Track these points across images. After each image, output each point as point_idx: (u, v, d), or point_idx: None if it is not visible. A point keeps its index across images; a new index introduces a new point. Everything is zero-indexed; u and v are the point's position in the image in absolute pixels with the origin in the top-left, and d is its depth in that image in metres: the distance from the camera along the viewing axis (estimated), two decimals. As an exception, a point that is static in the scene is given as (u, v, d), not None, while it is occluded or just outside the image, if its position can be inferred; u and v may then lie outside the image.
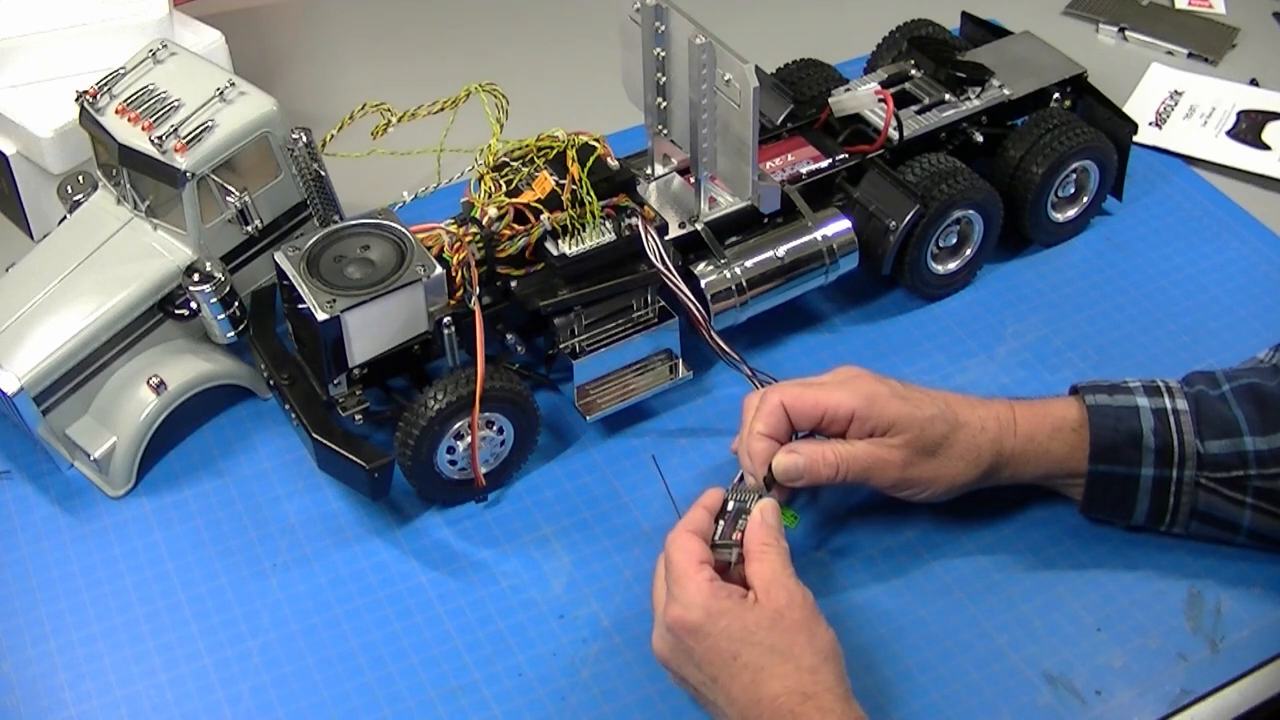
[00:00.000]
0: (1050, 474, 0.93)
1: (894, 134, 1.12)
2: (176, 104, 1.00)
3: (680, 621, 0.79)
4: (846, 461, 0.89)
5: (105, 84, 1.02)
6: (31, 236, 1.19)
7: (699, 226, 1.06)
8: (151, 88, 1.01)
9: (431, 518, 0.99)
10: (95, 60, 1.13)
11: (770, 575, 0.81)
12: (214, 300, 0.99)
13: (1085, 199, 1.18)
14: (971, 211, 1.11)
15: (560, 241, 1.00)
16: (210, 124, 0.98)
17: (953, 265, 1.14)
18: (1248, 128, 1.31)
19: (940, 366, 1.09)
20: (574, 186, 0.99)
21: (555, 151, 1.01)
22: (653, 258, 1.00)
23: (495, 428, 0.98)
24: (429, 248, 0.97)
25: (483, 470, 0.98)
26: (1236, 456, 0.89)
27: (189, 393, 1.02)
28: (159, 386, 1.00)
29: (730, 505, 0.87)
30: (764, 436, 0.90)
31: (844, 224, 1.09)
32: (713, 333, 1.03)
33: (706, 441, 1.03)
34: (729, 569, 0.84)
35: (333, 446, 0.95)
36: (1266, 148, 1.28)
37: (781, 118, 1.13)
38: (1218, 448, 0.89)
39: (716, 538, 0.85)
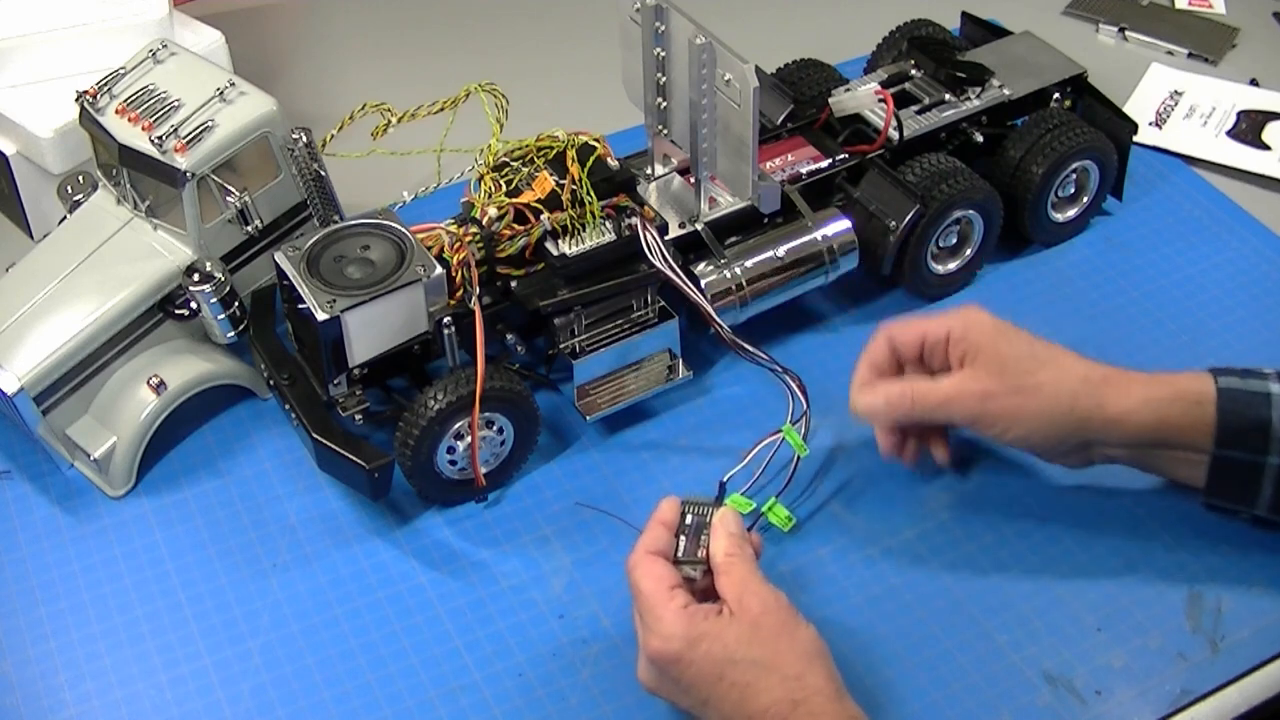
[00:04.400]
0: (1164, 441, 0.90)
1: (894, 134, 1.12)
2: (176, 104, 1.00)
3: (661, 654, 0.79)
4: (924, 394, 0.90)
5: (105, 84, 1.02)
6: (31, 236, 1.19)
7: (699, 226, 1.06)
8: (151, 88, 1.01)
9: (431, 518, 0.99)
10: (95, 60, 1.12)
11: (740, 585, 0.81)
12: (214, 300, 0.99)
13: (1085, 199, 1.18)
14: (971, 211, 1.11)
15: (560, 241, 1.00)
16: (210, 124, 0.98)
17: (953, 265, 1.14)
18: (1248, 128, 1.31)
19: (940, 366, 1.09)
20: (574, 186, 0.99)
21: (555, 151, 1.01)
22: (655, 260, 1.00)
23: (495, 428, 0.98)
24: (429, 248, 0.97)
25: (483, 470, 0.98)
26: None
27: (189, 393, 1.02)
28: (159, 386, 1.00)
29: (689, 519, 0.85)
30: (868, 367, 0.92)
31: (844, 224, 1.09)
32: (727, 330, 1.02)
33: (706, 441, 1.03)
34: (693, 584, 0.83)
35: (333, 446, 0.95)
36: (1266, 148, 1.28)
37: (781, 118, 1.13)
38: None
39: (679, 554, 0.84)
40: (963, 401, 0.89)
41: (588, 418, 1.02)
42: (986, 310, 0.92)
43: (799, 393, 0.99)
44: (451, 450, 0.97)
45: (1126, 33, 1.43)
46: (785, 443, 0.97)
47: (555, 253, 0.99)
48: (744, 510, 0.94)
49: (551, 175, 1.00)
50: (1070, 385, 0.88)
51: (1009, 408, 0.89)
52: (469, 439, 0.96)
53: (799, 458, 0.97)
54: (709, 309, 1.02)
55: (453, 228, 0.98)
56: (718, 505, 0.86)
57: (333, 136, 1.05)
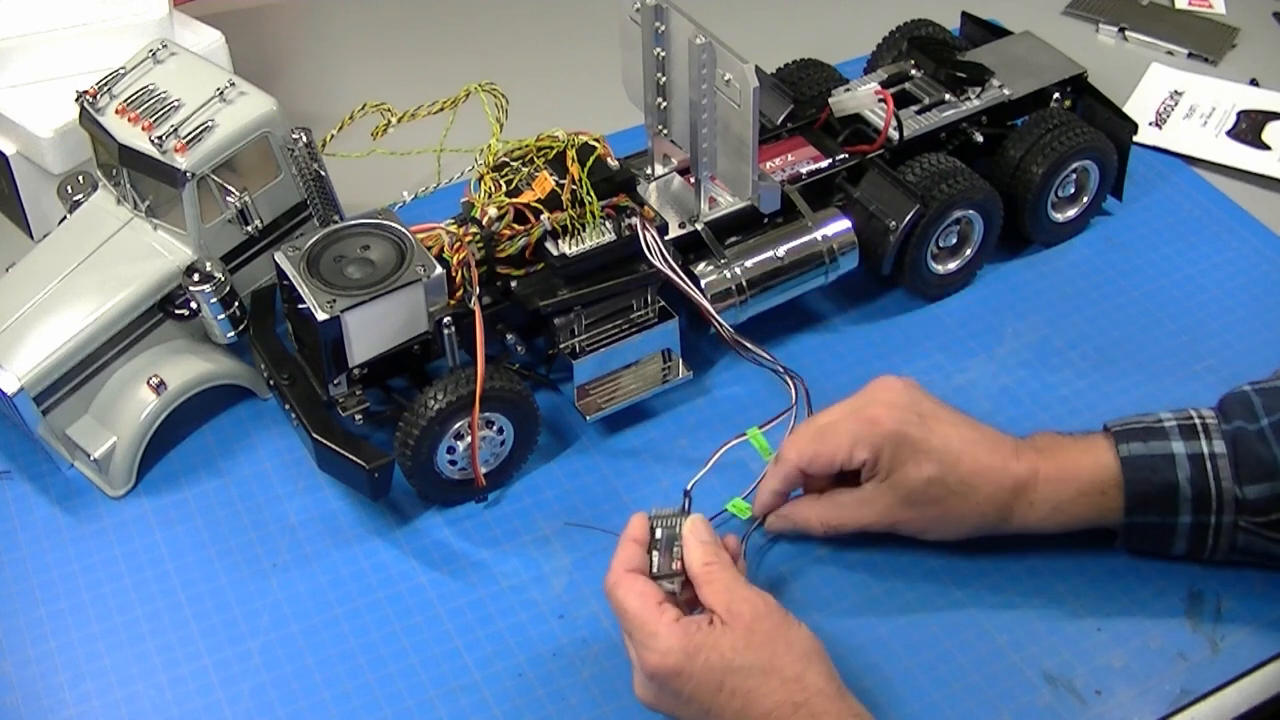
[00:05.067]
0: (1074, 528, 0.91)
1: (894, 134, 1.12)
2: (176, 104, 1.00)
3: (660, 669, 0.79)
4: (833, 524, 0.92)
5: (105, 84, 1.02)
6: (31, 236, 1.19)
7: (699, 226, 1.06)
8: (151, 88, 1.01)
9: (431, 518, 0.99)
10: (95, 60, 1.12)
11: (726, 593, 0.81)
12: (214, 300, 0.99)
13: (1085, 199, 1.18)
14: (971, 211, 1.11)
15: (560, 241, 1.00)
16: (210, 124, 0.98)
17: (953, 265, 1.14)
18: (1248, 128, 1.31)
19: (940, 366, 1.09)
20: (574, 186, 0.99)
21: (555, 151, 1.01)
22: (655, 260, 1.00)
23: (495, 428, 0.98)
24: (429, 248, 0.97)
25: (483, 470, 0.98)
26: (1276, 500, 0.87)
27: (189, 393, 1.02)
28: (159, 386, 1.00)
29: (659, 533, 0.85)
30: (776, 494, 0.93)
31: (844, 224, 1.09)
32: (728, 329, 1.02)
33: (706, 441, 1.03)
34: (674, 598, 0.83)
35: (333, 446, 0.95)
36: (1266, 148, 1.28)
37: (781, 118, 1.13)
38: (1256, 492, 0.87)
39: (654, 571, 0.84)
40: (874, 525, 0.92)
41: (588, 418, 1.02)
42: (897, 397, 0.90)
43: (798, 392, 0.98)
44: (451, 450, 0.97)
45: (1126, 33, 1.43)
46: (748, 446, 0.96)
47: (555, 253, 0.99)
48: (743, 515, 0.94)
49: (551, 175, 1.00)
50: (977, 506, 0.89)
51: (918, 526, 0.91)
52: (469, 439, 0.96)
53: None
54: (709, 308, 1.02)
55: (453, 228, 0.98)
56: (685, 515, 0.86)
57: (333, 136, 1.05)
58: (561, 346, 1.02)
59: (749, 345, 1.01)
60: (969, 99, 1.16)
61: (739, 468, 0.98)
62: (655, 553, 0.84)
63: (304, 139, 1.00)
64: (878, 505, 0.90)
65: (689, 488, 0.92)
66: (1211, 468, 0.87)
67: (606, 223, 1.00)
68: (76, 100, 1.03)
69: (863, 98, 1.13)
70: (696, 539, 0.84)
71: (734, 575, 0.82)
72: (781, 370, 1.00)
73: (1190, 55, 1.41)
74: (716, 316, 1.02)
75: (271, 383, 1.02)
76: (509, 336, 1.01)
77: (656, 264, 1.00)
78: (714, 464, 0.95)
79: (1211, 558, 0.91)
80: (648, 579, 0.82)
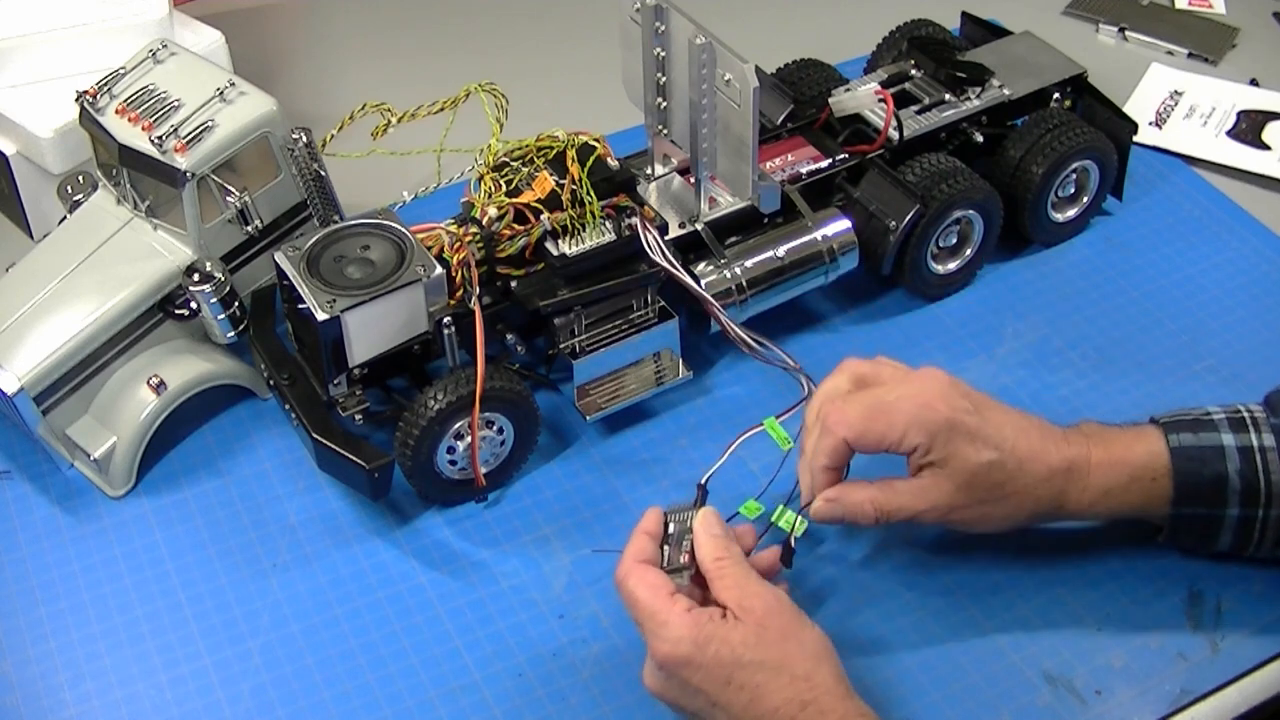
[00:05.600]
0: (1125, 515, 0.91)
1: (894, 134, 1.12)
2: (176, 104, 1.00)
3: (670, 658, 0.79)
4: (886, 512, 0.88)
5: (105, 84, 1.02)
6: (31, 236, 1.19)
7: (699, 226, 1.06)
8: (151, 88, 1.01)
9: (431, 518, 0.99)
10: (95, 60, 1.12)
11: (738, 589, 0.80)
12: (214, 300, 0.99)
13: (1085, 199, 1.18)
14: (971, 211, 1.11)
15: (560, 241, 1.00)
16: (210, 124, 0.98)
17: (953, 265, 1.14)
18: (1248, 128, 1.31)
19: (940, 366, 1.08)
20: (574, 186, 0.99)
21: (555, 151, 1.01)
22: (656, 256, 1.00)
23: (495, 428, 0.98)
24: (429, 248, 0.97)
25: (483, 470, 0.98)
26: None
27: (189, 393, 1.02)
28: (159, 386, 1.00)
29: (671, 528, 0.85)
30: (825, 470, 0.88)
31: (844, 224, 1.09)
32: (732, 324, 1.02)
33: (706, 441, 1.03)
34: (686, 590, 0.83)
35: (333, 446, 0.95)
36: (1266, 148, 1.28)
37: (781, 118, 1.13)
38: None
39: (665, 564, 0.83)
40: (928, 514, 0.88)
41: (588, 418, 1.02)
42: (946, 385, 0.87)
43: (807, 384, 0.98)
44: (451, 450, 0.97)
45: (1126, 33, 1.43)
46: (773, 441, 0.95)
47: (555, 253, 0.99)
48: (751, 515, 0.94)
49: (551, 175, 1.00)
50: (1034, 491, 0.87)
51: (974, 516, 0.88)
52: (469, 439, 0.96)
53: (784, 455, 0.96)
54: (713, 304, 1.02)
55: (453, 228, 0.98)
56: (698, 510, 0.86)
57: (333, 136, 1.05)
58: (561, 346, 1.02)
59: (752, 341, 1.00)
60: (969, 99, 1.16)
61: (753, 462, 0.97)
62: (666, 547, 0.84)
63: (304, 139, 1.00)
64: (935, 493, 0.87)
65: (703, 481, 0.90)
66: (1261, 461, 0.87)
67: (606, 223, 1.00)
68: (76, 100, 1.03)
69: (863, 98, 1.13)
70: (707, 533, 0.83)
71: (745, 570, 0.82)
72: (791, 365, 1.00)
73: (1190, 55, 1.41)
74: (720, 311, 1.02)
75: (271, 383, 1.02)
76: (509, 336, 1.01)
77: (659, 262, 1.00)
78: (719, 461, 0.93)
79: (1256, 553, 0.91)
80: (658, 570, 0.82)
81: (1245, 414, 0.89)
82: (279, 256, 0.96)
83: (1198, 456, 0.88)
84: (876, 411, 0.87)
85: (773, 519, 0.93)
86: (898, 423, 0.86)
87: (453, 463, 0.97)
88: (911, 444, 0.86)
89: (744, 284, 1.05)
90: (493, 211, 0.98)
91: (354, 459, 0.95)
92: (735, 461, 0.95)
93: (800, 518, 0.93)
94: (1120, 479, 0.88)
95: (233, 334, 1.02)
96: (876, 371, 0.90)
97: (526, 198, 0.99)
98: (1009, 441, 0.87)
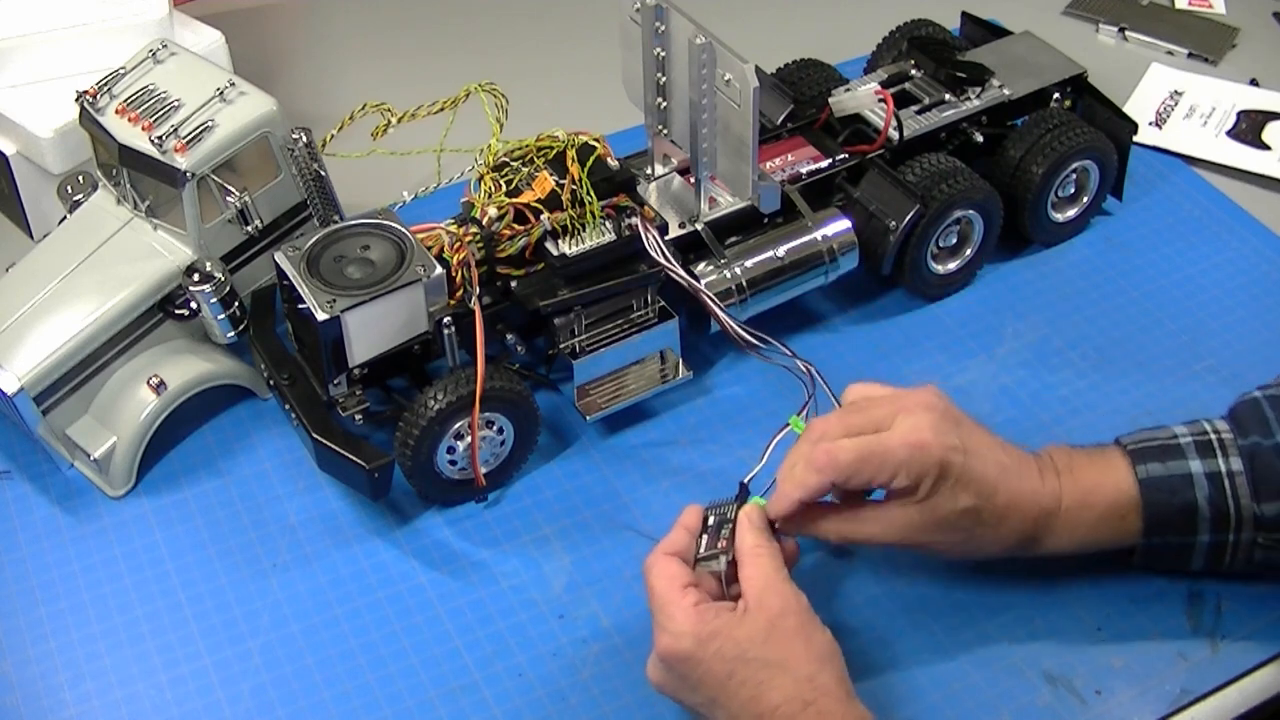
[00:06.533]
0: (1093, 550, 0.90)
1: (894, 134, 1.12)
2: (176, 104, 1.00)
3: (671, 651, 0.79)
4: (850, 539, 0.87)
5: (105, 84, 1.02)
6: (31, 236, 1.19)
7: (699, 226, 1.06)
8: (151, 88, 1.01)
9: (431, 518, 0.99)
10: (95, 60, 1.12)
11: (764, 581, 0.81)
12: (214, 300, 0.99)
13: (1085, 199, 1.18)
14: (971, 211, 1.11)
15: (560, 241, 1.00)
16: (210, 124, 0.98)
17: (953, 265, 1.14)
18: (1248, 128, 1.31)
19: (940, 366, 1.09)
20: (574, 186, 0.99)
21: (555, 151, 1.01)
22: (655, 255, 1.00)
23: (495, 428, 0.98)
24: (429, 248, 0.97)
25: (483, 470, 0.98)
26: None
27: (189, 393, 1.02)
28: (159, 386, 1.00)
29: (711, 519, 0.85)
30: (802, 503, 0.86)
31: (844, 224, 1.09)
32: (734, 322, 1.02)
33: (707, 441, 1.03)
34: (720, 580, 0.83)
35: (333, 446, 0.95)
36: (1266, 148, 1.28)
37: (781, 118, 1.13)
38: (1275, 509, 0.86)
39: (700, 551, 0.84)
40: (894, 543, 0.87)
41: (588, 418, 1.02)
42: (937, 416, 0.84)
43: (813, 379, 0.97)
44: (451, 450, 0.97)
45: (1126, 33, 1.43)
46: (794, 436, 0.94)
47: (555, 253, 0.99)
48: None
49: (551, 175, 1.00)
50: (1002, 537, 0.87)
51: (941, 550, 0.88)
52: (469, 439, 0.96)
53: None
54: (714, 302, 1.02)
55: (453, 228, 0.98)
56: (739, 503, 0.86)
57: (333, 136, 1.05)
58: (561, 346, 1.01)
59: (755, 339, 1.00)
60: (969, 99, 1.16)
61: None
62: (704, 536, 0.85)
63: (304, 139, 1.00)
64: (903, 525, 0.86)
65: (747, 480, 0.88)
66: (1230, 486, 0.87)
67: (606, 223, 1.00)
68: (76, 100, 1.03)
69: (863, 98, 1.13)
70: (751, 524, 0.83)
71: (777, 565, 0.82)
72: (787, 353, 0.99)
73: (1190, 55, 1.41)
74: (721, 310, 1.02)
75: (271, 383, 1.02)
76: (509, 336, 1.01)
77: (660, 262, 1.00)
78: (759, 464, 0.90)
79: (1229, 571, 0.90)
80: (682, 563, 0.82)
81: (1212, 436, 0.88)
82: (279, 256, 0.96)
83: (1166, 487, 0.87)
84: (867, 454, 0.84)
85: None
86: (889, 466, 0.83)
87: (453, 463, 0.97)
88: (899, 485, 0.84)
89: (744, 284, 1.05)
90: (493, 211, 0.98)
91: (354, 459, 0.95)
92: (748, 460, 0.95)
93: None
94: (1089, 520, 0.88)
95: (233, 334, 1.02)
96: (865, 396, 0.88)
97: (526, 198, 0.99)
98: (990, 487, 0.85)
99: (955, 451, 0.84)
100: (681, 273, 1.01)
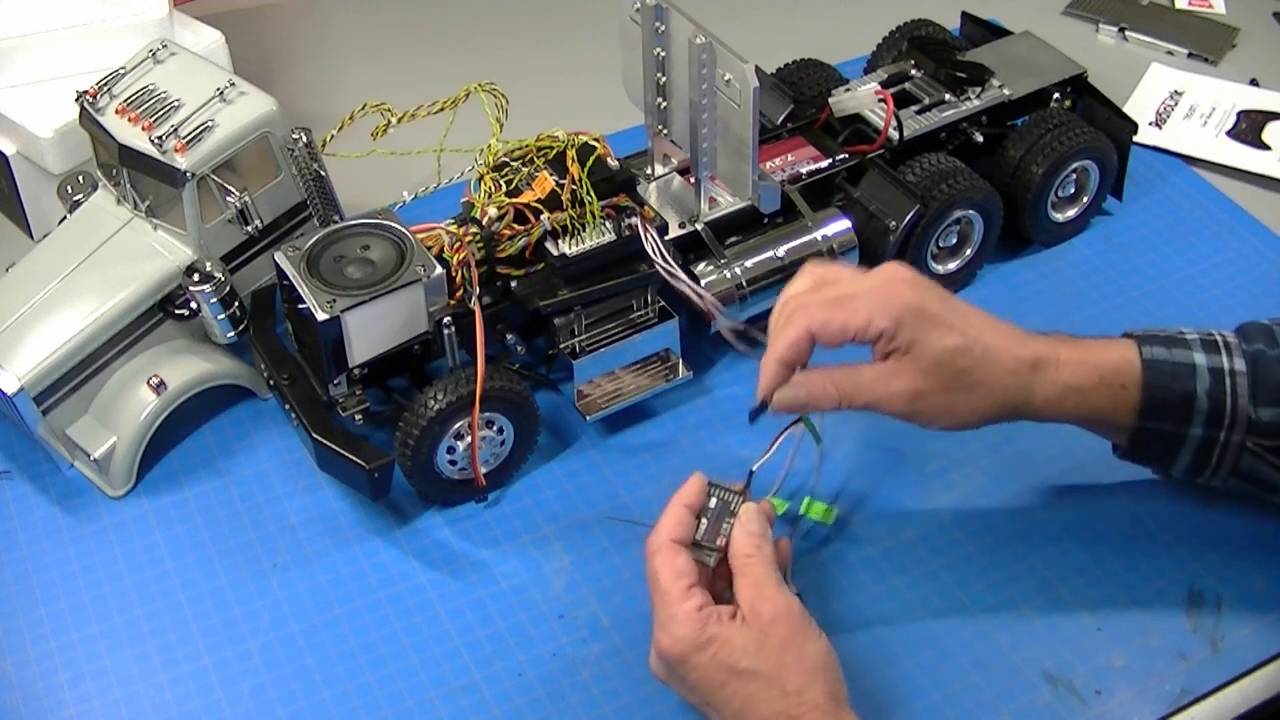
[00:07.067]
0: (1084, 421, 0.90)
1: (894, 134, 1.12)
2: (176, 104, 1.00)
3: (669, 652, 0.79)
4: (849, 395, 0.85)
5: (105, 84, 1.02)
6: (31, 236, 1.19)
7: (699, 226, 1.06)
8: (151, 88, 1.01)
9: (431, 518, 0.99)
10: (95, 60, 1.12)
11: (754, 590, 0.80)
12: (214, 300, 0.99)
13: (1085, 199, 1.18)
14: (971, 211, 1.11)
15: (560, 241, 1.00)
16: (210, 124, 0.98)
17: (953, 265, 1.14)
18: (1248, 128, 1.31)
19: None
20: (574, 186, 0.99)
21: (555, 151, 1.01)
22: (658, 262, 1.00)
23: (495, 428, 0.98)
24: (429, 248, 0.97)
25: (483, 470, 0.98)
26: None
27: (189, 393, 1.02)
28: (159, 386, 1.00)
29: (713, 502, 0.85)
30: (782, 363, 0.85)
31: (844, 224, 1.09)
32: (735, 323, 1.02)
33: (706, 442, 1.03)
34: (708, 570, 0.83)
35: (333, 446, 0.95)
36: (1266, 148, 1.28)
37: (781, 118, 1.13)
38: (1270, 415, 0.86)
39: (699, 537, 0.84)
40: (892, 401, 0.86)
41: (588, 418, 1.02)
42: (908, 277, 0.85)
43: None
44: (451, 450, 0.97)
45: (1126, 33, 1.43)
46: (805, 437, 0.94)
47: (555, 253, 0.99)
48: (779, 511, 0.94)
49: (551, 175, 1.00)
50: (1000, 381, 0.86)
51: (939, 405, 0.86)
52: (469, 439, 0.96)
53: (820, 454, 0.97)
54: (716, 306, 1.02)
55: (453, 228, 0.98)
56: (744, 495, 0.85)
57: (333, 136, 1.05)
58: (561, 346, 1.02)
59: (759, 337, 1.00)
60: (969, 99, 1.16)
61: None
62: (704, 520, 0.84)
63: (304, 139, 1.00)
64: (900, 379, 0.84)
65: (755, 468, 0.89)
66: (1230, 384, 0.87)
67: (606, 223, 1.00)
68: (76, 100, 1.03)
69: (863, 98, 1.13)
70: (745, 528, 0.83)
71: (768, 572, 0.81)
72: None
73: (1190, 55, 1.41)
74: (722, 313, 1.02)
75: (271, 383, 1.02)
76: (509, 336, 1.01)
77: (660, 266, 1.00)
78: (767, 453, 0.91)
79: (1210, 479, 0.90)
80: (688, 555, 0.82)
81: (1219, 337, 0.89)
82: (279, 256, 0.96)
83: (1169, 371, 0.87)
84: (840, 300, 0.84)
85: (801, 510, 0.95)
86: (861, 310, 0.83)
87: (453, 463, 0.97)
88: (877, 329, 0.83)
89: (744, 284, 1.05)
90: (493, 211, 0.98)
91: (354, 459, 0.95)
92: (748, 461, 0.95)
93: (830, 507, 0.94)
94: (1089, 379, 0.87)
95: (233, 334, 1.02)
96: (836, 273, 0.88)
97: (526, 198, 0.99)
98: (974, 329, 0.85)
99: (930, 299, 0.84)
100: (684, 279, 1.01)
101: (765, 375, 0.86)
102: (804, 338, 0.84)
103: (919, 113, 1.15)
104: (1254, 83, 1.37)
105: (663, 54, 1.01)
